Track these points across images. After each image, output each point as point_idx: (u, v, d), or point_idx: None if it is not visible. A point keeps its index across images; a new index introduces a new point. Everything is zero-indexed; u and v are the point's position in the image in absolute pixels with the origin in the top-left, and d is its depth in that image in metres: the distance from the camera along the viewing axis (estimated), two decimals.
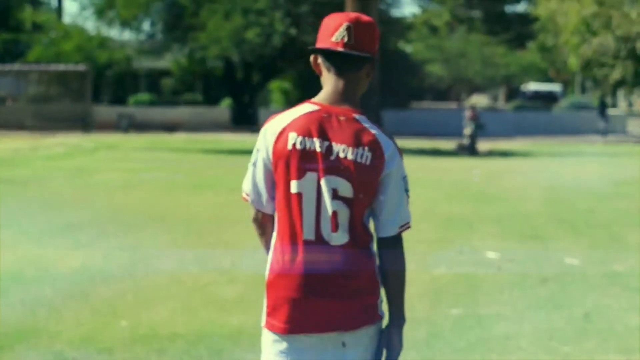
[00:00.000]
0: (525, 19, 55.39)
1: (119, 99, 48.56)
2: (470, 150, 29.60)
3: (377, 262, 3.36)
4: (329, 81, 3.38)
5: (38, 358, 6.36)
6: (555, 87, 61.16)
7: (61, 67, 43.34)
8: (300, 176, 3.27)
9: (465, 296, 8.33)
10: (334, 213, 3.26)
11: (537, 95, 57.76)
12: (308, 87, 39.87)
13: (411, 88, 55.57)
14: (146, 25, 43.99)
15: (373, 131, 3.31)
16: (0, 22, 51.35)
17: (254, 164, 3.39)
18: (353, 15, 3.38)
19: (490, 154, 29.73)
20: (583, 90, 66.01)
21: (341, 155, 3.26)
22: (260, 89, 46.98)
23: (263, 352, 3.40)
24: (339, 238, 3.27)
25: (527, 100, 55.99)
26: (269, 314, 3.35)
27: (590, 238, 11.82)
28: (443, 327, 7.18)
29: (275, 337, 3.33)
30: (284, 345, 3.32)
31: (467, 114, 30.72)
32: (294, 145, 3.27)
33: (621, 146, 34.25)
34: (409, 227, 3.36)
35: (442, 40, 53.26)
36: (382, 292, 3.38)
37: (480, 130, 30.46)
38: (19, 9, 53.76)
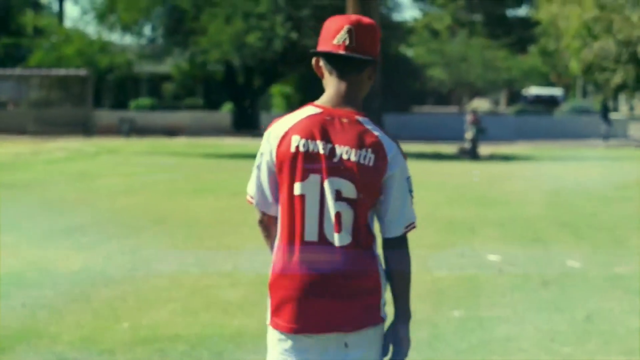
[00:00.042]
0: (527, 23, 55.45)
1: (120, 104, 48.60)
2: (471, 154, 29.60)
3: (381, 263, 3.38)
4: (331, 84, 3.39)
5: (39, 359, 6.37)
6: (556, 91, 61.22)
7: (62, 71, 43.37)
8: (303, 178, 3.29)
9: (467, 298, 8.33)
10: (338, 214, 3.27)
11: (539, 99, 57.85)
12: (309, 91, 39.93)
13: (412, 92, 55.63)
14: (147, 30, 44.01)
15: (376, 133, 3.32)
16: (2, 27, 51.41)
17: (258, 167, 3.41)
18: (354, 17, 3.38)
19: (492, 157, 29.72)
20: (584, 94, 66.03)
21: (344, 157, 3.28)
22: (261, 93, 46.98)
23: (269, 350, 3.42)
24: (342, 239, 3.28)
25: (529, 104, 56.07)
26: (273, 313, 3.38)
27: (591, 241, 11.81)
28: (445, 329, 7.17)
29: (280, 335, 3.36)
30: (288, 343, 3.34)
31: (469, 117, 30.72)
32: (297, 147, 3.29)
33: (623, 150, 34.24)
34: (414, 227, 3.38)
35: (443, 44, 53.24)
36: (386, 294, 3.38)
37: (482, 134, 30.46)
38: (20, 13, 53.82)
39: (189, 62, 45.57)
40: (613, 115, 47.37)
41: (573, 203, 16.04)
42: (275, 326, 3.36)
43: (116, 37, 48.47)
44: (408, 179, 3.37)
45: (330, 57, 3.38)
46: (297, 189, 3.29)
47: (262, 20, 38.66)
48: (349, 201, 3.27)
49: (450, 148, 32.58)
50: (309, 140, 3.29)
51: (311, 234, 3.29)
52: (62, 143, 34.16)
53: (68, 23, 59.39)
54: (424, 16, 64.63)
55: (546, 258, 10.44)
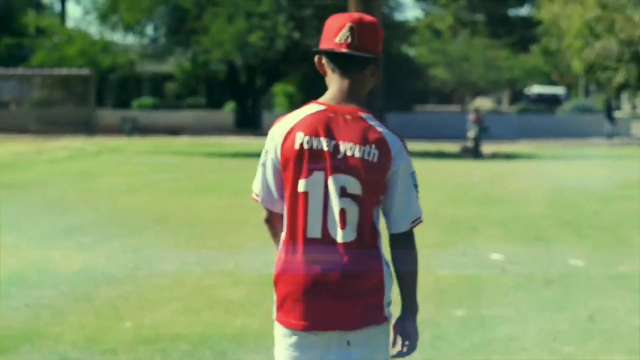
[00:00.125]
0: (529, 23, 55.39)
1: (123, 103, 48.61)
2: (474, 153, 29.59)
3: (386, 261, 3.39)
4: (334, 81, 3.40)
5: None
6: (559, 90, 61.18)
7: (64, 71, 43.39)
8: (307, 175, 3.30)
9: (469, 298, 8.32)
10: (342, 210, 3.29)
11: (541, 98, 57.80)
12: (312, 91, 39.82)
13: (415, 91, 55.55)
14: (149, 30, 43.98)
15: (379, 129, 3.34)
16: (4, 27, 51.41)
17: (263, 165, 3.43)
18: (356, 15, 3.39)
19: (494, 156, 29.71)
20: (587, 93, 65.98)
21: (348, 153, 3.29)
22: (263, 92, 46.97)
23: (275, 344, 3.45)
24: (346, 235, 3.29)
25: (531, 103, 56.01)
26: (278, 308, 3.41)
27: (594, 240, 11.80)
28: (447, 328, 7.17)
29: (285, 330, 3.38)
30: (293, 339, 3.37)
31: (471, 116, 30.73)
32: (302, 144, 3.31)
33: (625, 149, 34.22)
34: (420, 222, 3.40)
35: (445, 43, 53.20)
36: (391, 293, 3.39)
37: (484, 133, 30.46)
38: (23, 13, 53.83)
39: (191, 61, 45.54)
40: (615, 114, 47.30)
41: (575, 202, 16.03)
42: (280, 321, 3.39)
43: (118, 37, 48.48)
44: (413, 174, 3.38)
45: (332, 55, 3.39)
46: (301, 185, 3.31)
47: (265, 19, 38.63)
48: (354, 197, 3.29)
49: (452, 147, 32.57)
50: (313, 138, 3.30)
51: (314, 231, 3.30)
52: (65, 142, 34.17)
53: (70, 23, 59.40)
54: (426, 16, 64.59)
55: (549, 257, 10.43)
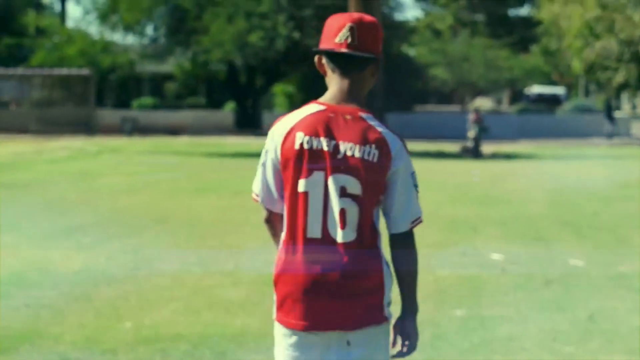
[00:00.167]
0: (529, 23, 55.39)
1: (123, 103, 48.60)
2: (474, 153, 29.59)
3: (386, 261, 3.39)
4: (334, 81, 3.40)
5: None
6: (559, 90, 61.17)
7: (64, 71, 43.39)
8: (307, 175, 3.31)
9: (469, 298, 8.32)
10: (342, 210, 3.29)
11: (541, 98, 57.79)
12: (311, 91, 39.83)
13: (415, 91, 55.54)
14: (149, 30, 43.98)
15: (379, 129, 3.34)
16: (4, 27, 51.41)
17: (263, 165, 3.43)
18: (356, 15, 3.40)
19: (494, 156, 29.71)
20: (587, 93, 65.98)
21: (348, 153, 3.29)
22: (263, 92, 46.97)
23: (275, 344, 3.45)
24: (346, 235, 3.29)
25: (531, 103, 56.01)
26: (277, 308, 3.41)
27: (594, 240, 11.80)
28: (447, 328, 7.17)
29: (285, 330, 3.39)
30: (292, 339, 3.37)
31: (471, 117, 30.73)
32: (301, 144, 3.31)
33: (625, 149, 34.22)
34: (420, 222, 3.40)
35: (445, 43, 53.20)
36: (390, 294, 3.39)
37: (484, 133, 30.45)
38: (23, 13, 53.83)
39: (191, 61, 45.54)
40: (615, 114, 47.29)
41: (575, 202, 16.03)
42: (280, 321, 3.40)
43: (118, 37, 48.48)
44: (413, 174, 3.39)
45: (332, 55, 3.40)
46: (301, 185, 3.31)
47: (265, 19, 38.63)
48: (354, 197, 3.29)
49: (452, 147, 32.57)
50: (313, 138, 3.31)
51: (314, 231, 3.31)
52: (65, 142, 34.17)
53: (70, 23, 59.40)
54: (426, 16, 64.59)
55: (549, 257, 10.43)
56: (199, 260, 10.01)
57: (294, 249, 3.33)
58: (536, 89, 59.87)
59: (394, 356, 3.45)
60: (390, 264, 3.40)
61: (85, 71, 42.89)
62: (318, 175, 3.29)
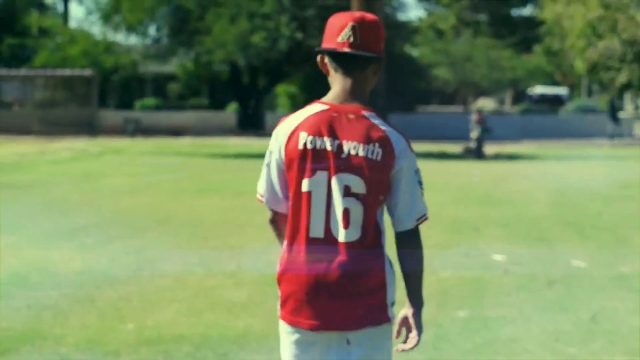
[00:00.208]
0: (532, 23, 55.36)
1: (125, 104, 48.61)
2: (476, 154, 29.58)
3: (390, 261, 3.39)
4: (336, 81, 3.41)
5: None
6: (561, 91, 61.10)
7: (67, 72, 43.42)
8: (310, 175, 3.31)
9: (471, 298, 8.31)
10: (346, 210, 3.29)
11: (544, 99, 57.71)
12: (314, 91, 39.83)
13: (417, 91, 55.57)
14: (152, 30, 44.06)
15: (383, 127, 3.35)
16: (7, 27, 51.45)
17: (268, 166, 3.44)
18: (358, 14, 3.40)
19: (497, 157, 29.70)
20: (589, 93, 65.93)
21: (352, 152, 3.30)
22: (266, 93, 46.99)
23: (280, 340, 3.47)
24: (349, 235, 3.30)
25: (534, 103, 55.97)
26: (281, 306, 3.43)
27: (596, 240, 11.79)
28: (449, 329, 7.16)
29: (288, 328, 3.40)
30: (295, 337, 3.39)
31: (474, 117, 30.70)
32: (305, 144, 3.32)
33: (628, 149, 34.18)
34: (426, 219, 3.40)
35: (448, 43, 53.19)
36: (393, 294, 3.39)
37: (487, 133, 30.43)
38: (25, 14, 53.88)
39: (194, 62, 45.59)
40: (620, 115, 47.26)
41: (578, 202, 16.01)
42: (283, 319, 3.41)
43: (121, 38, 48.55)
44: (417, 171, 3.39)
45: (335, 55, 3.40)
46: (305, 185, 3.32)
47: (267, 20, 38.66)
48: (358, 197, 3.30)
49: (455, 147, 32.56)
50: (317, 137, 3.31)
51: (317, 231, 3.32)
52: (67, 143, 34.19)
53: (73, 23, 59.42)
54: (429, 16, 64.57)
55: (551, 258, 10.42)
56: (201, 261, 10.00)
57: (297, 249, 3.34)
58: (539, 89, 59.81)
59: (397, 348, 3.45)
60: (393, 263, 3.40)
61: (87, 72, 42.93)
62: (321, 175, 3.30)
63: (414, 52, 55.09)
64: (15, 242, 11.01)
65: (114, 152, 30.02)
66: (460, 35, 55.48)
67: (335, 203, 3.29)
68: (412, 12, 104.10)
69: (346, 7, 26.56)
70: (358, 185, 3.29)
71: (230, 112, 46.48)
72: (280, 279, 3.40)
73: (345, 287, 3.29)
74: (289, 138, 3.34)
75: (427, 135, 39.01)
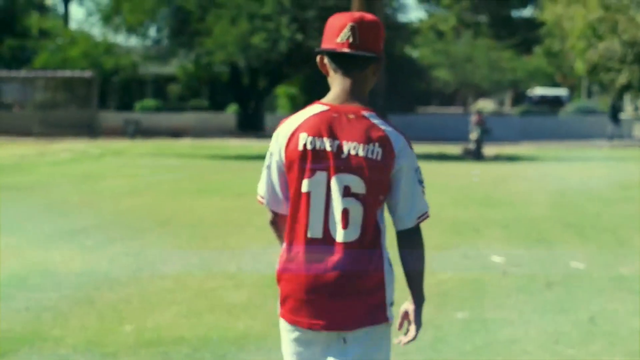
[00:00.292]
0: (532, 24, 55.42)
1: (125, 105, 48.62)
2: (476, 155, 29.58)
3: (389, 261, 3.40)
4: (336, 81, 3.42)
5: None
6: (561, 92, 61.11)
7: (67, 73, 43.42)
8: (310, 175, 3.32)
9: (471, 300, 8.31)
10: (345, 210, 3.30)
11: (544, 100, 57.73)
12: (314, 92, 39.84)
13: (417, 92, 55.63)
14: (152, 31, 44.08)
15: (383, 127, 3.35)
16: (7, 29, 51.46)
17: (268, 167, 3.46)
18: (357, 14, 3.40)
19: (497, 158, 29.69)
20: (589, 94, 65.94)
21: (352, 152, 3.31)
22: (266, 94, 47.00)
23: (281, 337, 3.50)
24: (349, 235, 3.31)
25: (534, 104, 55.97)
26: (281, 304, 3.45)
27: (596, 242, 11.79)
28: (449, 331, 7.16)
29: (288, 326, 3.43)
30: (295, 334, 3.41)
31: (474, 118, 30.70)
32: (305, 145, 3.33)
33: (628, 150, 34.17)
34: (427, 217, 3.41)
35: (448, 45, 53.25)
36: (392, 295, 3.40)
37: (487, 134, 30.43)
38: (26, 15, 53.89)
39: (194, 63, 45.62)
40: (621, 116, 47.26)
41: (577, 204, 16.01)
42: (283, 317, 3.43)
43: (121, 39, 48.61)
44: (417, 170, 3.40)
45: (334, 55, 3.41)
46: (304, 186, 3.33)
47: (268, 21, 38.68)
48: (358, 197, 3.31)
49: (455, 149, 32.56)
50: (317, 138, 3.32)
51: (315, 231, 3.33)
52: (67, 145, 34.19)
53: (73, 25, 59.45)
54: (429, 17, 64.64)
55: (550, 259, 10.42)
56: (201, 263, 10.01)
57: (295, 249, 3.35)
58: (539, 91, 59.83)
59: (397, 340, 3.47)
60: (393, 263, 3.41)
61: (88, 73, 42.93)
62: (321, 176, 3.31)
63: (414, 53, 55.14)
64: (15, 244, 11.01)
65: (114, 153, 30.02)
66: (461, 37, 55.54)
67: (334, 203, 3.30)
68: (413, 13, 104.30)
69: (346, 8, 26.57)
70: (358, 185, 3.30)
71: (230, 114, 46.49)
72: (280, 278, 3.42)
73: (344, 287, 3.30)
74: (289, 140, 3.35)
75: (427, 136, 39.01)
